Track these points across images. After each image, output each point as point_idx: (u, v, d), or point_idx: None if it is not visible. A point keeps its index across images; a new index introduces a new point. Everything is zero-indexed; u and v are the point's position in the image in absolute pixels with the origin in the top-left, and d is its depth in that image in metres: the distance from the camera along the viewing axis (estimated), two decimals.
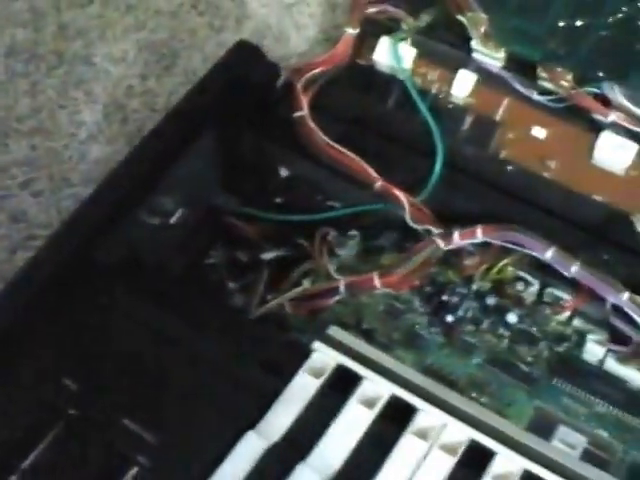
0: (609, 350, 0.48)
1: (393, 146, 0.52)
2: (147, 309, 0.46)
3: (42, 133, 0.63)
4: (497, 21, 0.53)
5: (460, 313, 0.50)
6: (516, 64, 0.53)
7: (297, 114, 0.52)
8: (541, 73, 0.52)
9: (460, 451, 0.42)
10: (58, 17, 0.68)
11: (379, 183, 0.50)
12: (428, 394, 0.44)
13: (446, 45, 0.54)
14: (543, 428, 0.46)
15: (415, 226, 0.50)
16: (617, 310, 0.47)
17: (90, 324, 0.45)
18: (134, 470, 0.40)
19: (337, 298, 0.50)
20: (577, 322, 0.49)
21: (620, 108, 0.50)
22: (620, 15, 0.52)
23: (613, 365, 0.48)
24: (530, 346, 0.49)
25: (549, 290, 0.50)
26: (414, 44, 0.54)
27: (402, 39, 0.54)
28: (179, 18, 0.67)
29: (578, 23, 0.53)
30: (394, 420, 0.43)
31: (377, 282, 0.48)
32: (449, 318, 0.50)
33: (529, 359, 0.49)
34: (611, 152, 0.50)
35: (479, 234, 0.48)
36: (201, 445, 0.41)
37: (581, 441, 0.46)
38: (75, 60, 0.66)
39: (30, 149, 0.62)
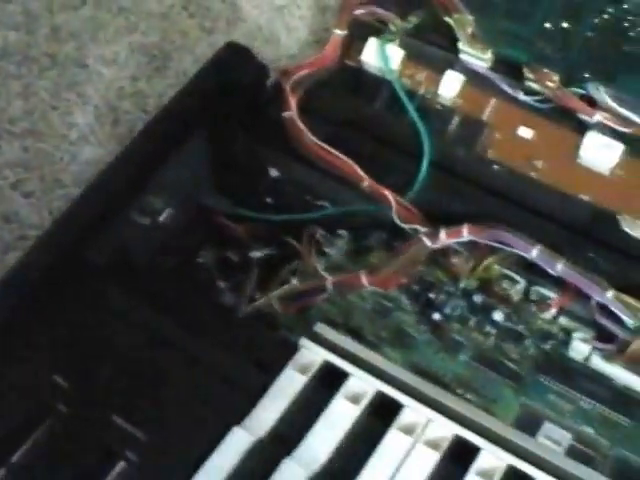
0: (594, 348, 0.48)
1: (381, 146, 0.53)
2: (137, 307, 0.47)
3: (34, 134, 0.63)
4: (485, 23, 0.53)
5: (447, 311, 0.51)
6: (503, 65, 0.53)
7: (286, 115, 0.52)
8: (527, 74, 0.52)
9: (444, 446, 0.42)
10: (51, 19, 0.68)
11: (367, 183, 0.51)
12: (413, 390, 0.44)
13: (434, 46, 0.55)
14: (529, 424, 0.47)
15: (403, 225, 0.50)
16: (602, 308, 0.47)
17: (81, 322, 0.45)
18: (122, 465, 0.41)
19: (325, 296, 0.50)
20: (563, 320, 0.50)
21: (605, 108, 0.51)
22: (606, 17, 0.53)
23: (598, 362, 0.48)
24: (516, 344, 0.50)
25: (535, 288, 0.50)
26: (402, 45, 0.55)
27: (390, 40, 0.54)
28: (170, 20, 0.67)
29: (565, 25, 0.53)
30: (380, 416, 0.43)
31: (364, 280, 0.49)
32: (436, 316, 0.50)
33: (515, 356, 0.50)
34: (597, 152, 0.51)
35: (465, 233, 0.49)
36: (188, 440, 0.42)
37: (566, 437, 0.46)
38: (67, 62, 0.66)
39: (22, 150, 0.63)
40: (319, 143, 0.52)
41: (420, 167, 0.51)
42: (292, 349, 0.45)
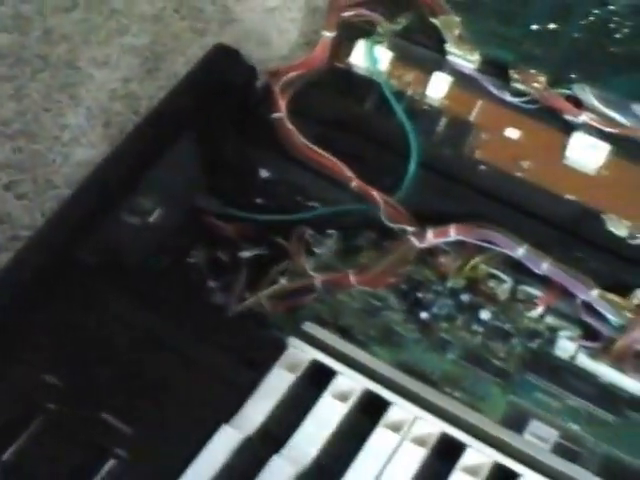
0: (581, 346, 0.49)
1: (370, 147, 0.53)
2: (128, 306, 0.47)
3: (26, 136, 0.64)
4: (471, 24, 0.54)
5: (435, 310, 0.51)
6: (490, 66, 0.54)
7: (275, 116, 0.53)
8: (514, 75, 0.53)
9: (431, 443, 0.43)
10: (43, 22, 0.69)
11: (355, 183, 0.51)
12: (401, 388, 0.45)
13: (422, 48, 0.55)
14: (516, 422, 0.47)
15: (391, 225, 0.51)
16: (588, 307, 0.48)
17: (71, 322, 0.46)
18: (112, 462, 0.41)
19: (314, 296, 0.51)
20: (549, 319, 0.50)
21: (591, 109, 0.51)
22: (592, 18, 0.54)
23: (585, 360, 0.49)
24: (503, 342, 0.50)
25: (522, 287, 0.50)
26: (390, 47, 0.55)
27: (378, 42, 0.55)
28: (162, 22, 0.68)
29: (552, 26, 0.54)
30: (367, 413, 0.44)
31: (353, 280, 0.49)
32: (424, 315, 0.51)
33: (502, 355, 0.50)
34: (583, 152, 0.51)
35: (452, 233, 0.49)
36: (178, 438, 0.42)
37: (553, 434, 0.47)
38: (59, 64, 0.67)
39: (14, 152, 0.63)
40: (308, 144, 0.52)
41: (408, 167, 0.52)
42: (281, 348, 0.46)
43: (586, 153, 0.51)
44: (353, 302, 0.52)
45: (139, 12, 0.69)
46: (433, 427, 0.44)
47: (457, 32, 0.53)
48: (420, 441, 0.43)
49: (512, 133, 0.53)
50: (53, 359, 0.44)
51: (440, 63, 0.55)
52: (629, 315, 0.47)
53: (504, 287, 0.51)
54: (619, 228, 0.50)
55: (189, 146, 0.52)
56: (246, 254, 0.53)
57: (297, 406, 0.44)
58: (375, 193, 0.51)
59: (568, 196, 0.51)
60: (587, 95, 0.51)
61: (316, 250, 0.52)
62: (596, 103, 0.51)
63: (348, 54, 0.55)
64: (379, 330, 0.51)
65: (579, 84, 0.52)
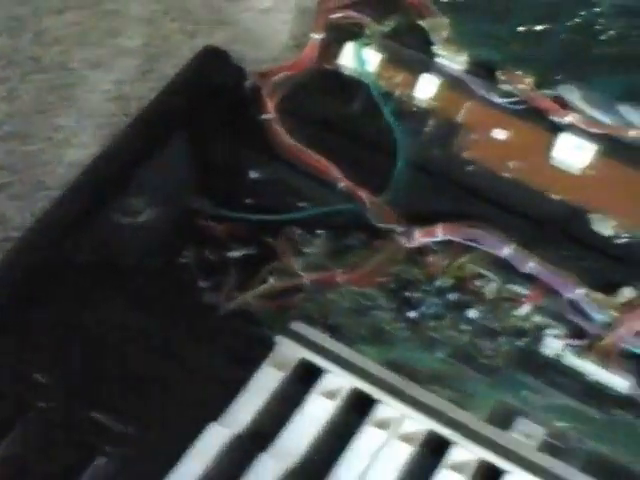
0: (567, 344, 0.49)
1: (359, 148, 0.54)
2: (119, 306, 0.48)
3: (19, 137, 0.64)
4: (460, 25, 0.54)
5: (423, 309, 0.52)
6: (477, 68, 0.54)
7: (263, 117, 0.53)
8: (501, 76, 0.53)
9: (418, 441, 0.43)
10: (35, 24, 0.69)
11: (343, 183, 0.52)
12: (388, 386, 0.45)
13: (410, 50, 0.56)
14: (503, 419, 0.47)
15: (379, 225, 0.51)
16: (573, 305, 0.48)
17: (61, 320, 0.46)
18: (101, 460, 0.42)
19: (303, 295, 0.51)
20: (536, 317, 0.50)
21: (577, 110, 0.52)
22: (579, 20, 0.54)
23: (571, 358, 0.49)
24: (491, 340, 0.51)
25: (509, 286, 0.51)
26: (378, 49, 0.55)
27: (367, 44, 0.55)
28: (154, 24, 0.68)
29: (539, 28, 0.54)
30: (355, 411, 0.44)
31: (341, 279, 0.50)
32: (412, 314, 0.51)
33: (490, 353, 0.50)
34: (569, 152, 0.52)
35: (440, 232, 0.50)
36: (167, 436, 0.43)
37: (539, 431, 0.47)
38: (52, 66, 0.67)
39: (7, 153, 0.64)
40: (297, 145, 0.53)
41: (396, 168, 0.52)
42: (270, 346, 0.46)
43: (572, 153, 0.52)
44: (342, 301, 0.52)
45: (131, 14, 0.69)
46: (420, 425, 0.44)
47: (445, 34, 0.54)
48: (407, 438, 0.44)
49: (499, 134, 0.53)
50: (43, 358, 0.45)
51: (428, 65, 0.55)
52: (614, 313, 0.47)
53: (491, 286, 0.51)
54: (605, 227, 0.50)
55: (179, 147, 0.53)
56: (236, 254, 0.53)
57: (285, 404, 0.44)
58: (363, 193, 0.52)
59: (554, 196, 0.52)
60: (573, 96, 0.52)
61: (305, 250, 0.53)
62: (582, 104, 0.51)
63: (337, 56, 0.56)
64: (368, 329, 0.51)
65: (565, 85, 0.52)
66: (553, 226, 0.51)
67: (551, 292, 0.49)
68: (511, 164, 0.53)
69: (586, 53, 0.53)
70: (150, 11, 0.69)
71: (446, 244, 0.51)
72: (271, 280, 0.51)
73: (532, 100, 0.52)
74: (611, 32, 0.53)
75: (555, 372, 0.49)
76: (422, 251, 0.52)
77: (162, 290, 0.50)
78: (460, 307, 0.51)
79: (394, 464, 0.43)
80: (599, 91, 0.52)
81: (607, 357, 0.48)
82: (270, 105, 0.54)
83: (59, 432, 0.42)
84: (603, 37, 0.53)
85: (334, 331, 0.51)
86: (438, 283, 0.52)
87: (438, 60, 0.55)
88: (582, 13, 0.54)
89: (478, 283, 0.51)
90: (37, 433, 0.42)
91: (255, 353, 0.46)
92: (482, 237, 0.49)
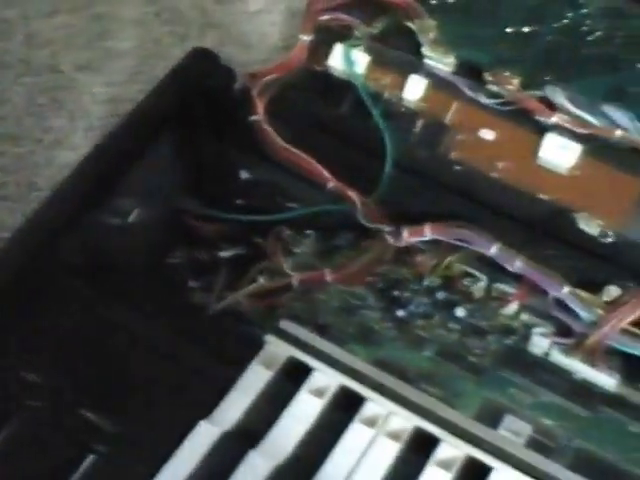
0: (554, 342, 0.50)
1: (348, 148, 0.54)
2: (108, 306, 0.48)
3: (9, 139, 0.64)
4: (447, 27, 0.55)
5: (412, 308, 0.52)
6: (465, 69, 0.55)
7: (253, 118, 0.54)
8: (488, 77, 0.53)
9: (405, 438, 0.44)
10: (25, 26, 0.69)
11: (332, 184, 0.52)
12: (376, 384, 0.46)
13: (398, 51, 0.56)
14: (490, 417, 0.48)
15: (368, 225, 0.52)
16: (560, 303, 0.49)
17: (50, 320, 0.47)
18: (91, 458, 0.42)
19: (292, 294, 0.51)
20: (524, 316, 0.51)
21: (563, 110, 0.52)
22: (566, 21, 0.55)
23: (558, 356, 0.50)
24: (479, 339, 0.51)
25: (497, 285, 0.51)
26: (367, 50, 0.56)
27: (355, 46, 0.56)
28: (144, 27, 0.69)
29: (526, 29, 0.55)
30: (343, 409, 0.45)
31: (329, 278, 0.50)
32: (401, 313, 0.52)
33: (478, 351, 0.51)
34: (555, 152, 0.52)
35: (427, 232, 0.50)
36: (157, 434, 0.43)
37: (526, 429, 0.47)
38: (42, 68, 0.67)
39: None
40: (286, 145, 0.53)
41: (385, 168, 0.53)
42: (258, 345, 0.47)
43: (558, 153, 0.52)
44: (331, 300, 0.52)
45: (121, 16, 0.69)
46: (407, 422, 0.45)
47: (432, 35, 0.54)
48: (394, 436, 0.44)
49: (487, 134, 0.54)
50: (33, 357, 0.45)
51: (416, 66, 0.55)
52: (599, 312, 0.48)
53: (479, 285, 0.52)
54: (590, 227, 0.50)
55: (168, 147, 0.53)
56: (226, 254, 0.54)
57: (274, 402, 0.45)
58: (352, 194, 0.52)
59: (541, 195, 0.52)
60: (559, 97, 0.52)
61: (294, 250, 0.53)
62: (567, 104, 0.52)
63: (326, 57, 0.56)
64: (357, 328, 0.52)
65: (551, 86, 0.52)
66: (540, 225, 0.51)
67: (538, 291, 0.49)
68: (498, 164, 0.53)
69: (572, 54, 0.54)
70: (141, 14, 0.69)
71: (434, 244, 0.51)
72: (261, 280, 0.52)
73: (519, 101, 0.53)
74: (597, 33, 0.54)
75: (542, 370, 0.50)
76: (410, 251, 0.52)
77: (152, 290, 0.50)
78: (448, 306, 0.52)
79: (382, 461, 0.43)
80: (585, 92, 0.52)
81: (593, 355, 0.48)
82: (260, 106, 0.54)
83: (49, 431, 0.42)
84: (589, 38, 0.54)
85: (323, 330, 0.51)
86: (426, 282, 0.52)
87: (426, 61, 0.55)
88: (568, 15, 0.55)
89: (466, 282, 0.52)
90: (27, 432, 0.42)
91: (245, 352, 0.46)
92: (470, 237, 0.49)
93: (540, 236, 0.51)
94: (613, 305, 0.48)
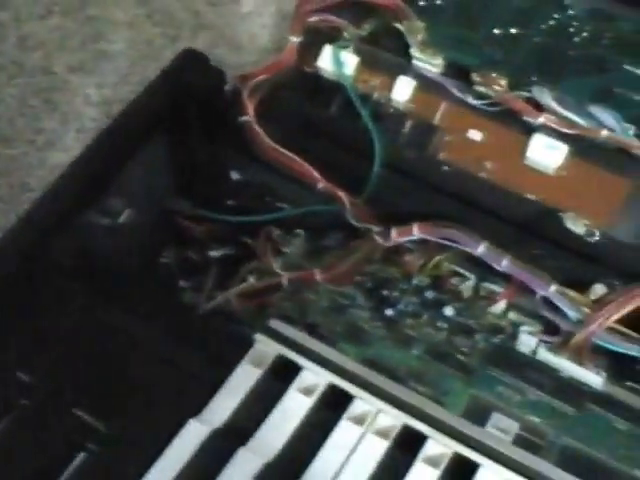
0: (541, 340, 0.50)
1: (337, 149, 0.54)
2: (99, 306, 0.48)
3: (2, 141, 0.65)
4: (435, 28, 0.55)
5: (400, 307, 0.52)
6: (453, 70, 0.55)
7: (243, 119, 0.54)
8: (476, 78, 0.54)
9: (393, 435, 0.44)
10: (18, 28, 0.70)
11: (322, 184, 0.53)
12: (364, 382, 0.46)
13: (386, 53, 0.56)
14: (478, 415, 0.48)
15: (357, 224, 0.52)
16: (547, 302, 0.49)
17: (43, 320, 0.47)
18: (82, 456, 0.42)
19: (282, 294, 0.52)
20: (511, 315, 0.51)
21: (550, 111, 0.52)
22: (552, 23, 0.55)
23: (545, 355, 0.50)
24: (467, 338, 0.51)
25: (485, 284, 0.52)
26: (356, 52, 0.56)
27: (344, 47, 0.56)
28: (135, 28, 0.69)
29: (513, 30, 0.55)
30: (332, 407, 0.45)
31: (319, 277, 0.51)
32: (390, 312, 0.52)
33: (466, 350, 0.51)
34: (542, 153, 0.52)
35: (415, 232, 0.50)
36: (147, 432, 0.43)
37: (514, 426, 0.48)
38: (35, 70, 0.68)
39: None
40: (276, 146, 0.54)
41: (373, 169, 0.53)
42: (248, 344, 0.47)
43: (546, 154, 0.52)
44: (320, 300, 0.53)
45: (113, 18, 0.70)
46: (395, 420, 0.45)
47: (421, 37, 0.55)
48: (383, 433, 0.44)
49: (475, 135, 0.54)
50: (25, 357, 0.45)
51: (405, 67, 0.56)
52: (586, 310, 0.48)
53: (467, 284, 0.52)
54: (577, 226, 0.51)
55: (159, 148, 0.54)
56: (216, 254, 0.54)
57: (263, 400, 0.45)
58: (341, 194, 0.52)
59: (529, 195, 0.53)
60: (546, 97, 0.52)
61: (284, 249, 0.54)
62: (554, 105, 0.52)
63: (315, 58, 0.56)
64: (346, 327, 0.52)
65: (539, 87, 0.53)
66: (527, 225, 0.52)
67: (525, 290, 0.50)
68: (486, 164, 0.54)
69: (559, 55, 0.54)
70: (132, 16, 0.70)
71: (422, 243, 0.52)
72: (251, 279, 0.52)
73: (507, 101, 0.53)
74: (584, 34, 0.55)
75: (530, 368, 0.50)
76: (399, 250, 0.52)
77: (143, 290, 0.51)
78: (436, 305, 0.52)
79: (370, 458, 0.44)
80: (572, 93, 0.53)
81: (580, 353, 0.49)
82: (249, 107, 0.54)
83: (41, 429, 0.43)
84: (576, 39, 0.55)
85: (312, 329, 0.51)
86: (415, 282, 0.53)
87: (415, 63, 0.55)
88: (555, 16, 0.55)
89: (454, 281, 0.52)
90: (19, 430, 0.42)
91: (234, 351, 0.46)
92: (457, 236, 0.50)
93: (527, 235, 0.51)
94: (600, 304, 0.48)
